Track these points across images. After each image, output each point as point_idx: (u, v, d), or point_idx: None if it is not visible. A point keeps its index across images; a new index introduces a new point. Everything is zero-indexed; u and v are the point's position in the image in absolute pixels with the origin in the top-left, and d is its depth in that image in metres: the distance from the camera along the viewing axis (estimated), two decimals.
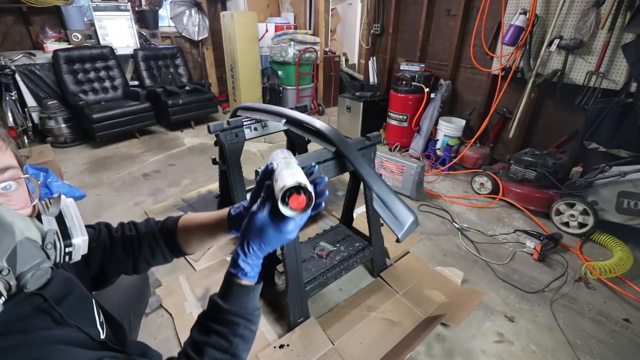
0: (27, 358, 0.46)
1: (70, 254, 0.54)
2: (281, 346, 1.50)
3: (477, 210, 2.68)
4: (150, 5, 4.66)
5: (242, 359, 0.61)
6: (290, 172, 0.59)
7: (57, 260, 0.53)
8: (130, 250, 0.81)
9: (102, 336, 0.67)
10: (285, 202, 0.56)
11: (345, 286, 1.89)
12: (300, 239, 1.56)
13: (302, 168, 0.62)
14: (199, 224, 0.79)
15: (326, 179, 0.61)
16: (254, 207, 0.61)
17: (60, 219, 0.54)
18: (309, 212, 0.58)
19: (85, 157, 3.56)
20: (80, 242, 0.55)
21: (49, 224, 0.53)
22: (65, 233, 0.54)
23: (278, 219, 0.59)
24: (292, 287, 1.53)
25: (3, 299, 0.45)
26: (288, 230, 0.60)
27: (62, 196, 0.57)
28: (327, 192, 0.60)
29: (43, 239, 0.51)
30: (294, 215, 0.57)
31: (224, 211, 0.75)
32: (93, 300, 0.70)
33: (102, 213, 2.53)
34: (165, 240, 0.81)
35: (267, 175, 0.63)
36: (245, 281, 0.60)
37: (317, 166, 0.64)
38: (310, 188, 0.56)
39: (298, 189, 0.56)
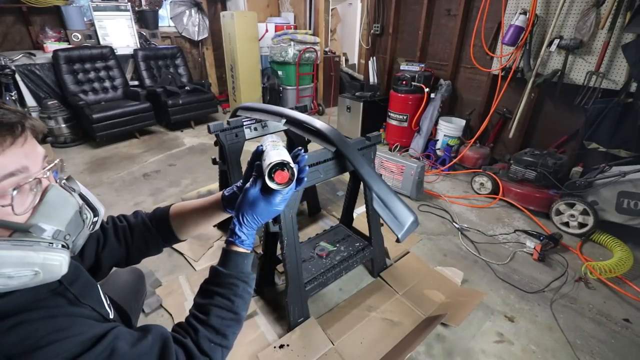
0: (53, 327, 0.51)
1: (95, 223, 0.64)
2: (281, 346, 1.50)
3: (477, 210, 2.68)
4: (150, 5, 4.66)
5: (242, 317, 0.70)
6: (276, 152, 0.68)
7: (87, 229, 0.62)
8: (124, 240, 0.84)
9: (111, 316, 0.72)
10: (271, 177, 0.65)
11: (345, 286, 1.89)
12: (300, 239, 1.56)
13: (290, 151, 0.70)
14: (193, 208, 0.84)
15: (306, 156, 0.71)
16: (247, 184, 0.71)
17: (81, 195, 0.63)
18: (293, 186, 0.68)
19: (85, 157, 3.56)
20: (103, 214, 0.66)
21: (78, 199, 0.61)
22: (91, 207, 0.64)
23: (268, 193, 0.69)
24: (292, 287, 1.53)
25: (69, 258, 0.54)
26: (276, 203, 0.70)
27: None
28: (307, 169, 0.70)
29: (80, 212, 0.60)
30: (279, 189, 0.67)
31: (218, 194, 0.81)
32: (98, 285, 0.73)
33: None
34: (158, 228, 0.85)
35: (257, 156, 0.73)
36: (241, 248, 0.70)
37: (302, 149, 0.73)
38: (292, 165, 0.66)
39: (282, 165, 0.65)
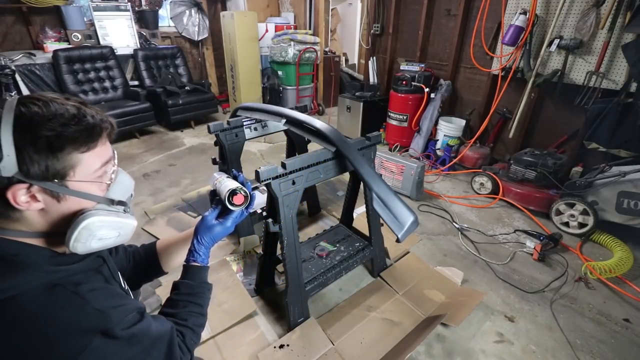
0: (109, 294, 0.63)
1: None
2: (281, 346, 1.50)
3: (477, 210, 2.68)
4: (150, 5, 4.65)
5: (206, 315, 0.84)
6: (226, 183, 0.86)
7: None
8: (127, 259, 0.92)
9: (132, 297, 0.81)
10: (230, 201, 0.83)
11: (345, 286, 1.89)
12: (300, 239, 1.56)
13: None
14: (176, 241, 0.96)
15: (250, 183, 0.90)
16: (205, 212, 0.86)
17: None
18: (249, 206, 0.87)
19: None
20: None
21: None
22: None
23: (222, 217, 0.86)
24: (292, 287, 1.53)
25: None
26: (228, 226, 0.85)
27: None
28: (254, 192, 0.90)
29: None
30: (238, 209, 0.85)
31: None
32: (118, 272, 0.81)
33: None
34: (147, 259, 0.95)
35: (213, 195, 0.91)
36: (200, 264, 0.84)
37: (234, 170, 0.92)
38: (244, 188, 0.85)
39: (235, 191, 0.83)
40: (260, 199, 2.41)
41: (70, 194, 0.58)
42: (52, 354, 0.52)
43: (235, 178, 0.90)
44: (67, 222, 0.58)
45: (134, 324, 0.61)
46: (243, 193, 0.84)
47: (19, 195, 0.53)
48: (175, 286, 0.83)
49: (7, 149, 0.51)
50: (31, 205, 0.55)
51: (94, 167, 0.60)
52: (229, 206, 0.83)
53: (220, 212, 0.87)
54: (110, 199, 0.65)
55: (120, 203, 0.66)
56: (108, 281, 0.68)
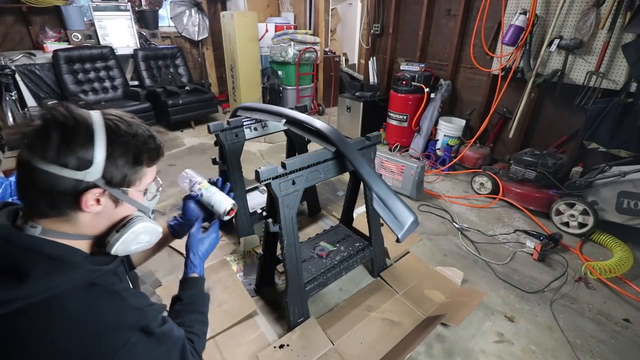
0: (138, 294, 0.66)
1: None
2: (281, 346, 1.50)
3: (477, 210, 2.68)
4: (150, 5, 4.65)
5: (207, 323, 0.89)
6: (218, 197, 0.93)
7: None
8: None
9: None
10: (226, 215, 0.93)
11: (345, 286, 1.89)
12: (300, 239, 1.56)
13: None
14: None
15: (228, 185, 1.01)
16: (192, 230, 0.92)
17: None
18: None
19: None
20: None
21: None
22: None
23: (206, 232, 0.94)
24: (292, 287, 1.53)
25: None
26: (213, 237, 0.94)
27: None
28: (228, 188, 1.01)
29: None
30: (229, 218, 0.94)
31: (164, 225, 0.99)
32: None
33: None
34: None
35: (190, 199, 0.99)
36: (198, 275, 0.91)
37: (212, 178, 1.00)
38: (234, 202, 0.94)
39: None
40: (259, 199, 2.42)
41: (129, 201, 0.66)
42: (96, 349, 0.55)
43: (214, 184, 0.97)
44: (111, 226, 0.66)
45: (164, 323, 0.65)
46: (235, 207, 0.93)
47: (90, 199, 0.58)
48: (178, 298, 0.87)
49: (99, 157, 0.58)
50: (93, 208, 0.60)
51: (150, 179, 0.70)
52: (225, 218, 0.92)
53: (219, 223, 0.96)
54: (148, 208, 0.73)
55: (154, 212, 0.74)
56: (122, 281, 0.71)
